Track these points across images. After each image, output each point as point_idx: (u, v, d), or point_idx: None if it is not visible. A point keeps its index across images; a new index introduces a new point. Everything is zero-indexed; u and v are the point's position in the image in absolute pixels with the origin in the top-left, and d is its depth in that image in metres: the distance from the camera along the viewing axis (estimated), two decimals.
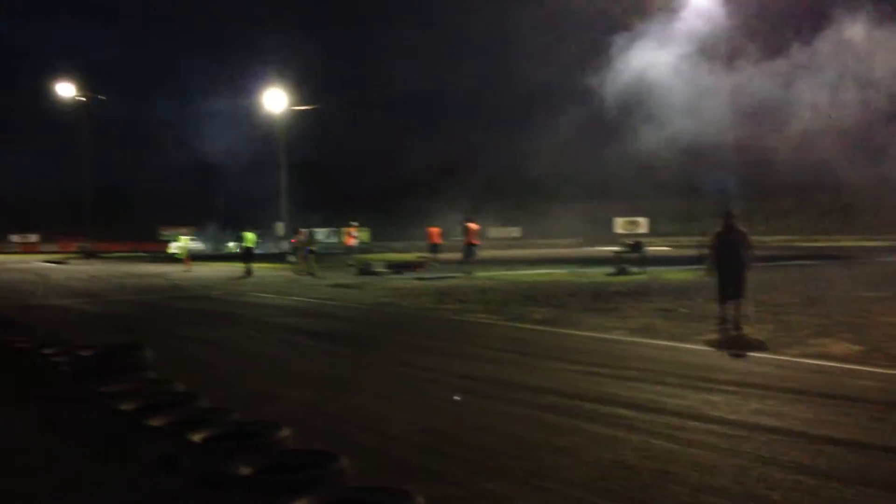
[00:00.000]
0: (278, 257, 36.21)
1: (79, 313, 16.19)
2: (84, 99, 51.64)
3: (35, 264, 39.60)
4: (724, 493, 4.67)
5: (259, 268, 30.13)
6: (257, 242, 29.76)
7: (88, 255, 50.78)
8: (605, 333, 11.07)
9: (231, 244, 56.68)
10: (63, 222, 63.75)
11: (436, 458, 5.48)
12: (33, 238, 69.59)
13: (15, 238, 69.87)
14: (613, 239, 43.65)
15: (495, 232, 55.61)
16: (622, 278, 20.12)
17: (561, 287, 18.20)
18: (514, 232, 59.12)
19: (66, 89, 51.75)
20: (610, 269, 21.98)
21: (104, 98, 53.52)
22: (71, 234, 60.13)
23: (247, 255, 26.83)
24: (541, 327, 11.97)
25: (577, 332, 11.27)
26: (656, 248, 31.92)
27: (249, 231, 27.71)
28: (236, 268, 27.75)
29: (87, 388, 5.81)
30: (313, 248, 27.16)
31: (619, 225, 56.49)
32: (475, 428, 6.22)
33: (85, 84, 51.95)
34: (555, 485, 4.87)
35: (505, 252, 38.32)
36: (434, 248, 28.33)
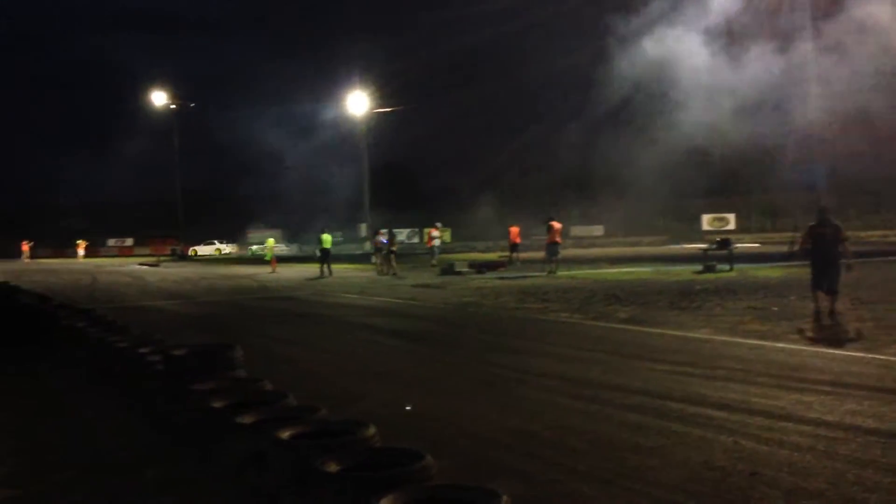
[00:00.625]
0: (362, 258, 36.69)
1: (171, 314, 16.74)
2: (175, 106, 53.39)
3: (130, 267, 41.13)
4: (819, 496, 4.52)
5: (343, 268, 30.66)
6: (334, 243, 30.41)
7: (180, 257, 52.51)
8: (693, 332, 10.83)
9: (254, 247, 58.01)
10: (155, 226, 66.06)
11: (521, 458, 5.47)
12: (129, 242, 72.40)
13: (112, 242, 72.85)
14: (700, 236, 42.75)
15: (578, 230, 55.06)
16: (709, 276, 19.66)
17: (646, 285, 17.92)
18: (597, 230, 58.40)
19: (158, 97, 53.63)
20: (697, 267, 21.52)
21: (193, 105, 55.26)
22: (163, 238, 62.27)
23: (324, 257, 27.45)
24: (626, 326, 11.81)
25: (663, 331, 11.07)
26: (745, 245, 31.11)
27: (327, 233, 28.36)
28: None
29: (180, 386, 6.00)
30: (394, 248, 27.46)
31: (707, 222, 55.22)
32: (561, 427, 6.17)
33: (175, 92, 53.78)
34: (642, 486, 4.79)
35: (587, 250, 37.94)
36: (514, 247, 28.46)
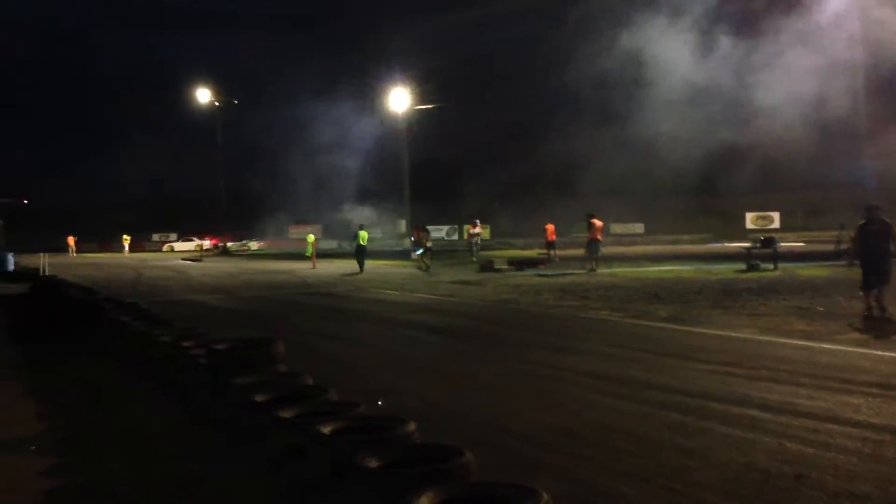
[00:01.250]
0: (401, 254, 36.80)
1: (214, 308, 16.95)
2: (218, 104, 54.01)
3: (174, 262, 41.72)
4: (865, 499, 4.43)
5: (382, 265, 30.80)
6: (372, 240, 30.72)
7: (223, 252, 53.16)
8: (735, 332, 10.69)
9: (231, 244, 58.65)
10: (199, 221, 66.91)
11: (560, 456, 5.44)
12: (173, 237, 73.47)
13: (156, 237, 74.05)
14: (743, 234, 42.16)
15: (618, 228, 54.63)
16: (753, 275, 19.38)
17: (687, 284, 17.71)
18: (638, 227, 57.91)
19: (202, 95, 54.26)
20: (740, 266, 21.23)
21: (236, 102, 55.81)
22: (206, 233, 63.05)
23: (359, 253, 27.75)
24: (666, 325, 11.69)
25: (704, 331, 10.94)
26: (790, 244, 30.62)
27: (363, 230, 28.70)
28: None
29: (222, 379, 6.08)
30: (428, 244, 27.52)
31: (750, 220, 54.49)
32: (600, 426, 6.13)
33: (219, 89, 54.38)
34: (683, 486, 4.74)
35: (628, 248, 37.63)
36: (550, 244, 28.55)
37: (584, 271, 22.40)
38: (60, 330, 12.48)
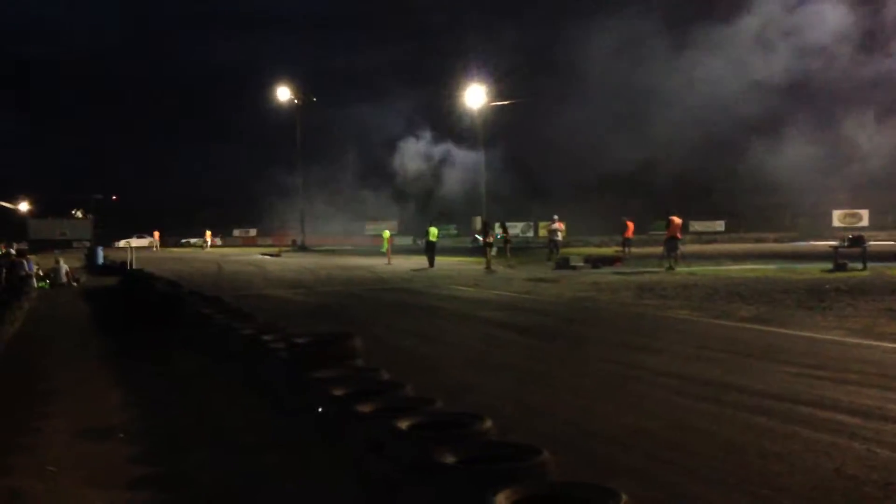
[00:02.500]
0: (476, 251, 36.82)
1: (292, 303, 17.25)
2: (298, 101, 55.01)
3: (254, 257, 42.63)
4: None
5: (457, 261, 30.90)
6: (446, 236, 31.11)
7: (301, 248, 54.10)
8: (822, 333, 10.33)
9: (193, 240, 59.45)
10: (278, 217, 68.25)
11: (639, 458, 5.35)
12: (252, 232, 75.20)
13: (237, 232, 75.93)
14: (830, 233, 40.83)
15: (698, 225, 53.49)
16: (841, 275, 18.71)
17: (770, 283, 17.22)
18: (719, 225, 56.60)
19: (283, 93, 55.38)
20: (827, 265, 20.53)
21: (315, 100, 56.76)
22: (285, 228, 64.28)
23: (429, 249, 28.19)
24: (749, 325, 11.38)
25: (789, 332, 10.60)
26: (881, 243, 29.49)
27: (433, 226, 29.12)
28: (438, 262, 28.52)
29: (301, 373, 6.18)
30: (489, 240, 27.54)
31: (837, 218, 52.66)
32: (680, 428, 6.00)
33: (298, 88, 55.40)
34: (767, 492, 4.60)
35: (708, 246, 36.82)
36: (626, 241, 28.33)
37: (661, 269, 22.02)
38: (148, 322, 12.91)
